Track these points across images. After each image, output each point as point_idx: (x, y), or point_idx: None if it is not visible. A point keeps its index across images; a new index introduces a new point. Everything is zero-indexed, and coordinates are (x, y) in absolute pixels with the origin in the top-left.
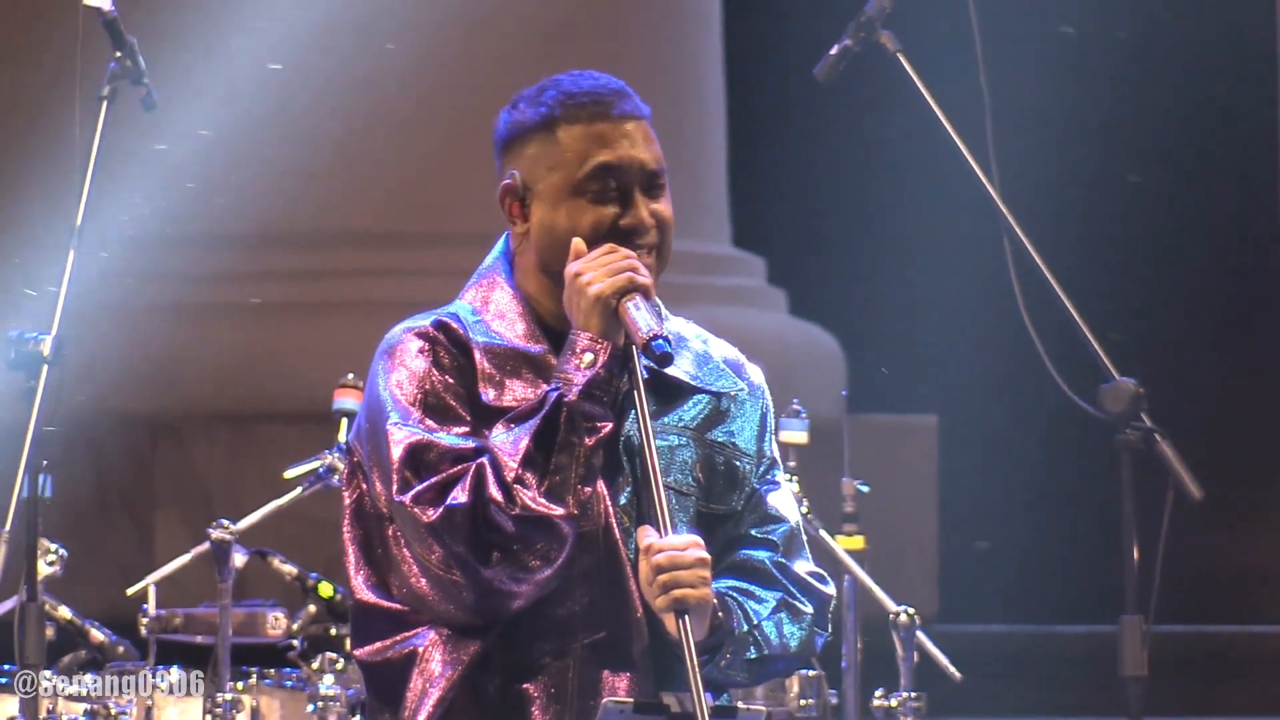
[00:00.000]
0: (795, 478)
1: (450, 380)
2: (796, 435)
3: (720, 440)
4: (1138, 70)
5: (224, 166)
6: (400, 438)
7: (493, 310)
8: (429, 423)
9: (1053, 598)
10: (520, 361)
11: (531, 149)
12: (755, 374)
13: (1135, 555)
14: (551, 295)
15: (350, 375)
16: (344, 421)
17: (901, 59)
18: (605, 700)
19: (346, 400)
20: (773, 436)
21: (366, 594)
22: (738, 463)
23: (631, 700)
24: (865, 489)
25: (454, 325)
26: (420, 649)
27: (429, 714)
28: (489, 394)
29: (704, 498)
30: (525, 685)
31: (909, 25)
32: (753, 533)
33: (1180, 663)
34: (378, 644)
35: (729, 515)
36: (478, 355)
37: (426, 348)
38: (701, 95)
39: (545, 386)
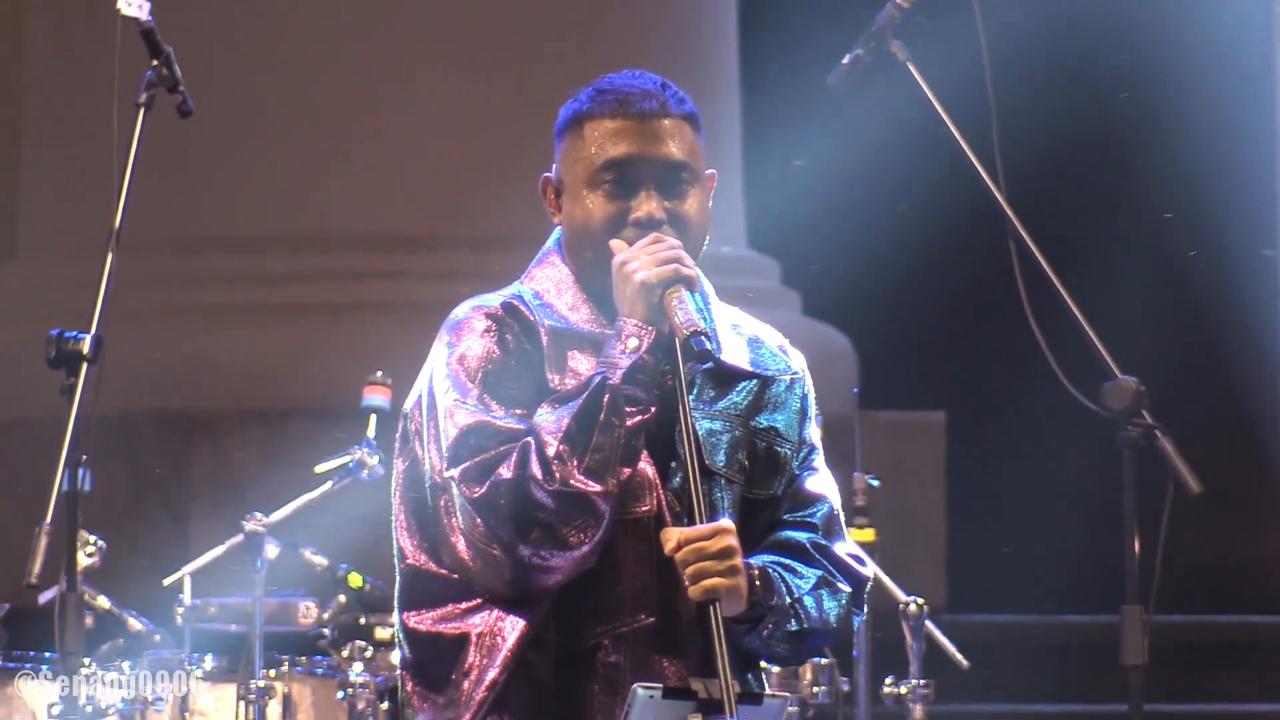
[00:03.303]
0: None
1: (512, 362)
2: None
3: (763, 426)
4: (1141, 75)
5: (258, 170)
6: (458, 416)
7: (555, 294)
8: (486, 401)
9: (1057, 588)
10: (584, 344)
11: (565, 143)
12: (798, 360)
13: (1136, 547)
14: (583, 284)
15: (379, 373)
16: (373, 417)
17: (911, 67)
18: (635, 686)
19: (375, 397)
20: (813, 423)
21: (418, 557)
22: (779, 448)
23: (660, 686)
24: (876, 483)
25: (521, 308)
26: (475, 631)
27: (483, 695)
28: (554, 378)
29: (746, 483)
30: (578, 667)
31: (918, 34)
32: (792, 516)
33: (1180, 651)
34: (428, 613)
35: (769, 500)
36: (544, 338)
37: (493, 328)
38: (716, 102)
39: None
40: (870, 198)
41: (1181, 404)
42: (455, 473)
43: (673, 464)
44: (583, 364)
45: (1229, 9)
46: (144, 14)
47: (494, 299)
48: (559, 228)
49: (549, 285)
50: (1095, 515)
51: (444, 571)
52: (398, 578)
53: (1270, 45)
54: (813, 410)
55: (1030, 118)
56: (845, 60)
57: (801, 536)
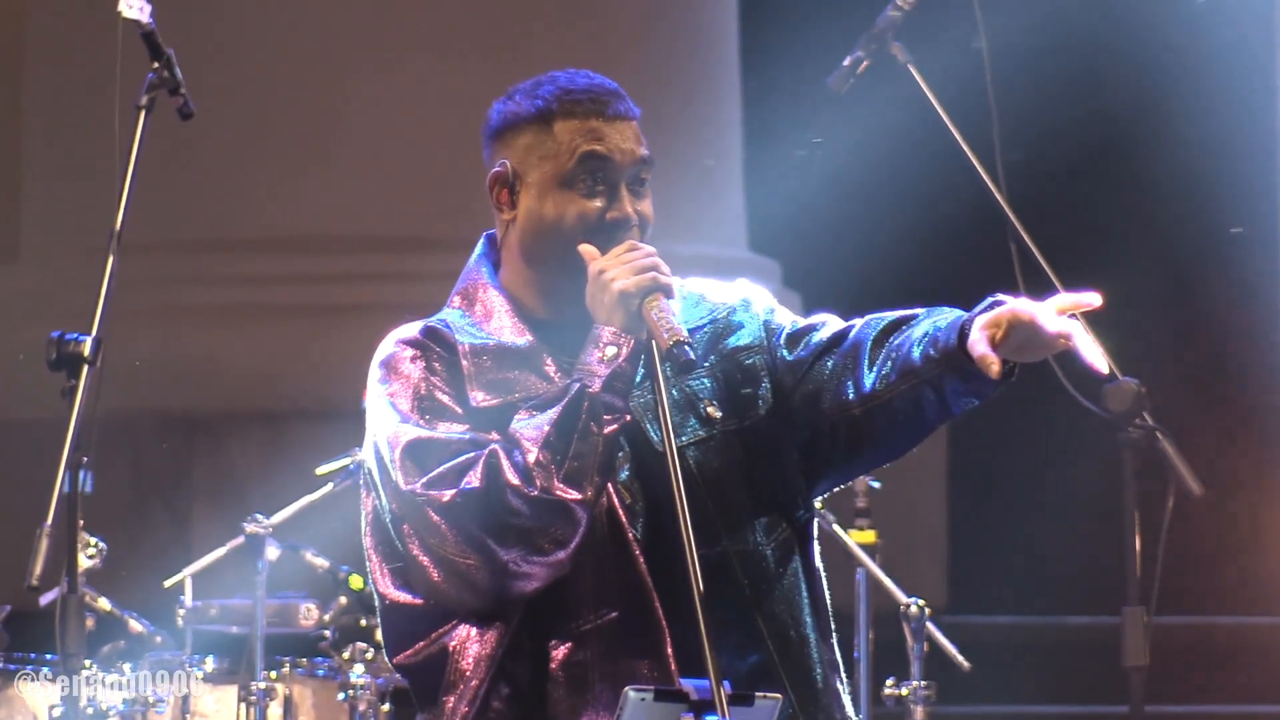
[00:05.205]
0: None
1: (442, 383)
2: None
3: (718, 359)
4: (1142, 75)
5: (260, 172)
6: (402, 437)
7: (479, 310)
8: (426, 422)
9: (1058, 590)
10: (508, 357)
11: (525, 139)
12: (727, 288)
13: (1137, 549)
14: (532, 285)
15: None
16: None
17: (912, 69)
18: (626, 689)
19: None
20: (775, 310)
21: (395, 593)
22: (748, 360)
23: (652, 689)
24: (877, 485)
25: (442, 330)
26: (452, 646)
27: (466, 709)
28: (476, 396)
29: (737, 417)
30: (548, 669)
31: (919, 37)
32: (820, 338)
33: (1181, 653)
34: (415, 646)
35: (768, 399)
36: (464, 360)
37: (418, 355)
38: (718, 103)
39: (534, 378)
40: (872, 199)
41: (1183, 406)
42: (417, 485)
43: (618, 455)
44: (506, 379)
45: (1230, 10)
46: (145, 16)
47: (414, 327)
48: (482, 240)
49: (474, 302)
50: (1096, 517)
51: (420, 602)
52: (380, 620)
53: (1271, 46)
54: (766, 304)
55: (1030, 119)
56: (846, 61)
57: (856, 330)
